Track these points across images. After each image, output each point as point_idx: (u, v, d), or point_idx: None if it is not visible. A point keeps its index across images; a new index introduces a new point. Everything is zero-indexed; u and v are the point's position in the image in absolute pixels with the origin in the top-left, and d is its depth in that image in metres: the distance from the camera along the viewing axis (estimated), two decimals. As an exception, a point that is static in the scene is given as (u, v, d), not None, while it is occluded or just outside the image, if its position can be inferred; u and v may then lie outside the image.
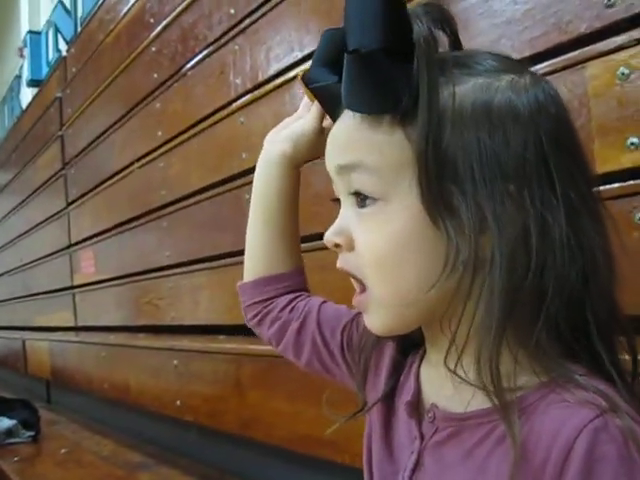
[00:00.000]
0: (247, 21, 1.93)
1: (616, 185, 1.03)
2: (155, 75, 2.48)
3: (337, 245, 0.61)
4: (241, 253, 1.94)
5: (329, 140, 0.62)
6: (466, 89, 0.55)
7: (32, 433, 2.58)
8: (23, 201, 4.58)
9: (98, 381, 3.03)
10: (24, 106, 5.29)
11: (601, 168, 1.04)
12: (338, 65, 0.58)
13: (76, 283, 3.50)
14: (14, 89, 6.21)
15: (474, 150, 0.54)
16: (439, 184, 0.54)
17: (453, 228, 0.54)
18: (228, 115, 2.01)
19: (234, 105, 1.98)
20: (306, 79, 0.65)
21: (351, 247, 0.60)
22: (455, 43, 0.63)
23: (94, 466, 2.13)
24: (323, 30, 0.65)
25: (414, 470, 0.61)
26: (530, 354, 0.54)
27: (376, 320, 0.61)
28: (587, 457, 0.47)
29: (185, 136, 2.28)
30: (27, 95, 5.40)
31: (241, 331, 1.95)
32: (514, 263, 0.53)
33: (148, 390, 2.50)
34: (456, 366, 0.55)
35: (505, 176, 0.54)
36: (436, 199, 0.54)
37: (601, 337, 0.55)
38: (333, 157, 0.61)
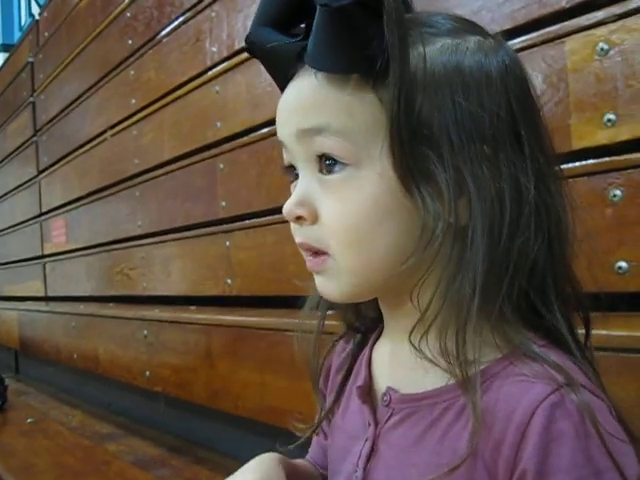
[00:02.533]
0: (224, -13, 1.89)
1: (591, 161, 1.03)
2: (130, 41, 2.43)
3: (299, 217, 0.56)
4: (213, 223, 1.94)
5: (283, 106, 0.57)
6: (435, 49, 0.53)
7: (-2, 402, 2.55)
8: (-7, 168, 4.50)
9: (67, 351, 3.01)
10: (-5, 71, 5.18)
11: (577, 144, 1.04)
12: (287, 24, 0.55)
13: (47, 252, 3.46)
14: (-15, 54, 6.08)
15: (450, 111, 0.52)
16: (413, 148, 0.51)
17: (429, 195, 0.51)
18: (203, 83, 1.98)
19: (209, 73, 1.95)
20: (253, 37, 0.58)
21: (315, 218, 0.55)
22: (407, 7, 0.59)
23: (61, 436, 2.11)
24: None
25: (369, 457, 0.59)
26: (493, 325, 0.52)
27: (335, 287, 0.57)
28: (544, 435, 0.47)
29: (159, 104, 2.24)
30: (-1, 60, 5.30)
31: (212, 302, 1.94)
32: (492, 227, 0.51)
33: (117, 360, 2.48)
34: (420, 340, 0.53)
35: (481, 138, 0.52)
36: (410, 165, 0.51)
37: (562, 309, 0.55)
38: (291, 122, 0.56)
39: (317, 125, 0.54)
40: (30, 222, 3.71)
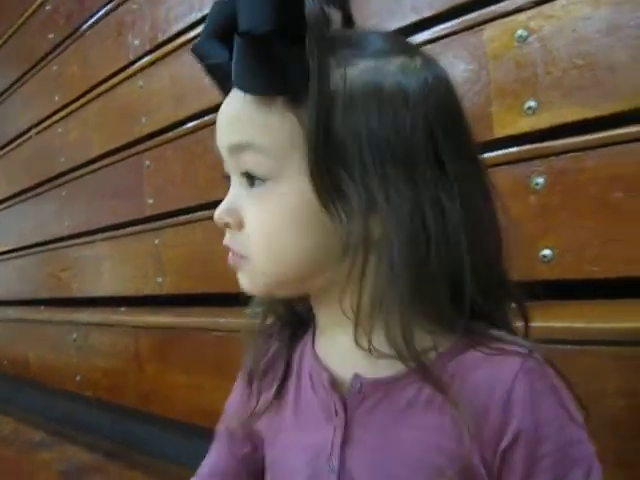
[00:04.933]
0: (146, -22, 1.84)
1: (514, 149, 1.03)
2: (51, 35, 2.36)
3: (227, 224, 0.60)
4: (142, 222, 1.90)
5: (220, 117, 0.61)
6: (357, 71, 0.55)
7: None
8: None
9: (-3, 357, 2.92)
10: None
11: (499, 132, 1.04)
12: (229, 40, 0.56)
13: (-27, 256, 3.34)
14: None
15: (363, 134, 0.53)
16: (328, 169, 0.54)
17: (343, 212, 0.54)
18: (127, 78, 1.93)
19: (133, 67, 1.90)
20: (197, 51, 0.62)
21: (240, 226, 0.59)
22: (348, 20, 0.62)
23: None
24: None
25: (342, 446, 0.60)
26: (434, 320, 0.56)
27: (252, 282, 0.61)
28: (529, 397, 0.53)
29: (83, 100, 2.19)
30: None
31: (143, 302, 1.90)
32: (410, 244, 0.53)
33: (48, 365, 2.41)
34: (370, 343, 0.56)
35: (395, 158, 0.54)
36: (325, 183, 0.54)
37: (494, 305, 0.59)
38: (223, 135, 0.60)
39: (241, 142, 0.57)
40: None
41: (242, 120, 0.57)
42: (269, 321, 0.70)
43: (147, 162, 1.83)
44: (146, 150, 1.84)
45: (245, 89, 0.56)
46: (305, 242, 0.57)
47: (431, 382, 0.55)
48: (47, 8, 2.38)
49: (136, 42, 1.88)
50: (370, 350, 0.56)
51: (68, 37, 2.25)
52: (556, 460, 0.53)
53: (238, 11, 0.54)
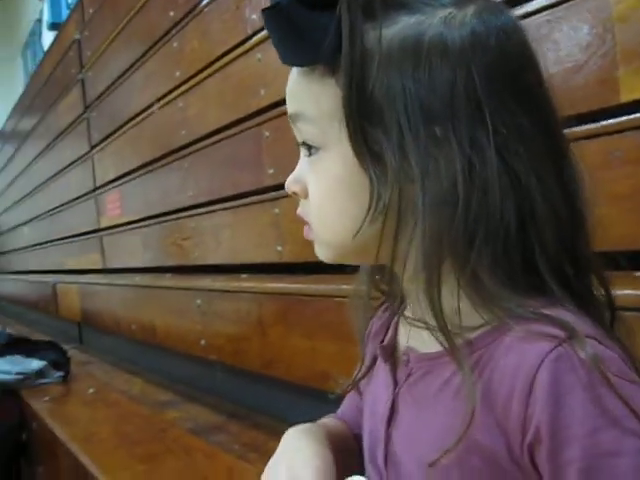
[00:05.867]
0: (262, -47, 1.87)
1: (641, 114, 0.99)
2: (171, 13, 2.43)
3: (295, 193, 0.62)
4: (261, 192, 1.95)
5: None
6: (396, 30, 0.54)
7: (62, 373, 2.63)
8: (48, 146, 4.59)
9: (126, 322, 3.08)
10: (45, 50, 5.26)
11: (627, 96, 1.01)
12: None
13: (103, 226, 3.53)
14: (36, 33, 6.18)
15: (398, 93, 0.52)
16: (364, 130, 0.54)
17: (376, 175, 0.54)
18: (245, 52, 1.97)
19: (251, 41, 1.94)
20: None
21: (306, 194, 0.61)
22: None
23: (121, 405, 2.18)
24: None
25: (390, 418, 0.62)
26: (478, 295, 0.53)
27: (320, 252, 0.62)
28: (552, 389, 0.47)
29: (202, 75, 2.24)
30: (49, 39, 5.36)
31: (263, 270, 1.96)
32: (440, 209, 0.52)
33: (173, 330, 2.53)
34: (421, 303, 0.55)
35: (430, 118, 0.52)
36: (361, 146, 0.54)
37: (552, 271, 0.54)
38: (287, 107, 0.61)
39: (295, 112, 0.59)
40: (85, 197, 3.79)
41: (294, 91, 0.59)
42: (370, 291, 0.69)
43: (266, 133, 1.88)
44: (265, 122, 1.88)
45: (286, 61, 0.57)
46: (352, 209, 0.56)
47: (457, 363, 0.52)
48: (168, -14, 2.46)
49: (253, 16, 1.91)
50: (404, 317, 0.58)
51: (187, 14, 2.31)
52: (583, 470, 0.46)
53: None
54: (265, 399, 1.97)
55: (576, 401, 0.46)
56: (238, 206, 2.08)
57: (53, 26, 5.02)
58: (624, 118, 0.99)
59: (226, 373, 2.21)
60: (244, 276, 2.06)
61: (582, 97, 1.04)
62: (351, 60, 0.52)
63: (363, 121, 0.53)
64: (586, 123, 1.02)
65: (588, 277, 0.57)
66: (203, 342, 2.22)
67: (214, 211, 2.25)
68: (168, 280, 2.66)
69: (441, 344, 0.54)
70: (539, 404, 0.47)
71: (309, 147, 0.59)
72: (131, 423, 1.92)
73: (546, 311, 0.51)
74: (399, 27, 0.53)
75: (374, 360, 0.68)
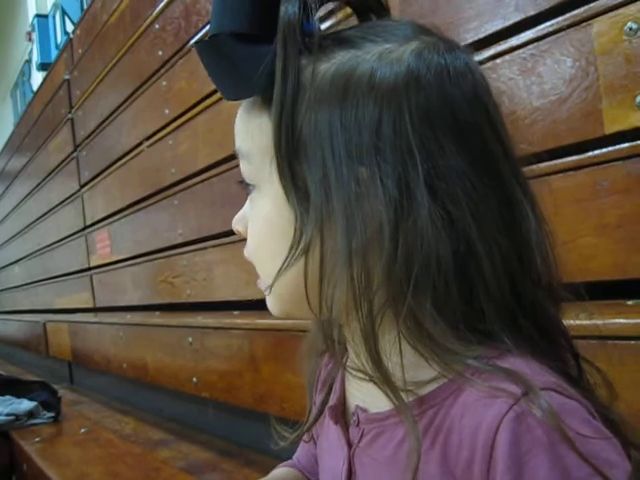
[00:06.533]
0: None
1: (626, 145, 1.00)
2: (160, 52, 2.46)
3: (238, 232, 0.60)
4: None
5: None
6: (329, 65, 0.52)
7: (53, 414, 2.60)
8: (37, 185, 4.60)
9: (117, 361, 3.05)
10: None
11: (610, 128, 1.02)
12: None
13: (93, 264, 3.52)
14: (25, 74, 6.24)
15: (324, 131, 0.50)
16: (292, 167, 0.51)
17: (301, 213, 0.51)
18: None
19: (239, 79, 1.95)
20: None
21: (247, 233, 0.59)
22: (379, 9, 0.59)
23: (113, 444, 2.15)
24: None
25: (349, 479, 0.58)
26: (424, 346, 0.49)
27: (269, 303, 0.59)
28: (512, 451, 0.43)
29: (192, 113, 2.26)
30: (38, 79, 5.42)
31: (254, 306, 1.95)
32: (366, 253, 0.49)
33: (165, 368, 2.51)
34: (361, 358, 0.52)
35: (356, 158, 0.49)
36: (288, 182, 0.52)
37: (499, 316, 0.50)
38: None
39: (236, 148, 0.58)
40: (75, 235, 3.78)
41: (237, 126, 0.58)
42: (319, 339, 0.66)
43: (255, 170, 1.88)
44: (253, 159, 1.89)
45: (222, 95, 0.55)
46: (280, 252, 0.53)
47: (405, 422, 0.48)
48: (156, 27, 2.49)
49: (241, 55, 1.94)
50: (350, 371, 0.53)
51: (176, 53, 2.34)
52: None
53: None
54: (258, 436, 1.95)
55: (537, 462, 0.43)
56: (228, 243, 2.08)
57: (42, 66, 5.08)
58: (610, 148, 1.01)
59: (219, 410, 2.19)
60: (236, 313, 2.05)
61: (567, 129, 1.05)
62: (282, 94, 0.50)
63: (291, 157, 0.51)
64: (572, 155, 1.04)
65: (544, 317, 0.53)
66: (195, 379, 2.20)
67: (205, 248, 2.25)
68: (159, 318, 2.65)
69: (390, 400, 0.50)
70: (500, 467, 0.43)
71: (246, 185, 0.57)
72: (123, 463, 1.90)
73: (499, 362, 0.48)
74: (333, 62, 0.52)
75: (321, 411, 0.64)
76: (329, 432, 0.64)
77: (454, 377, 0.49)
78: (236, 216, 0.60)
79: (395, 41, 0.52)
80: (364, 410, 0.58)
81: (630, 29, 1.00)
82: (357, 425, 0.58)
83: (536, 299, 0.52)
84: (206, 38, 0.53)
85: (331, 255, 0.50)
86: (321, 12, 0.56)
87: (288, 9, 0.50)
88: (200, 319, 2.22)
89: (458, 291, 0.49)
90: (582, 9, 1.05)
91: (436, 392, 0.50)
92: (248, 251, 0.59)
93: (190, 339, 2.22)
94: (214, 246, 2.19)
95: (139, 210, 2.82)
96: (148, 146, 2.65)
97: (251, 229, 0.57)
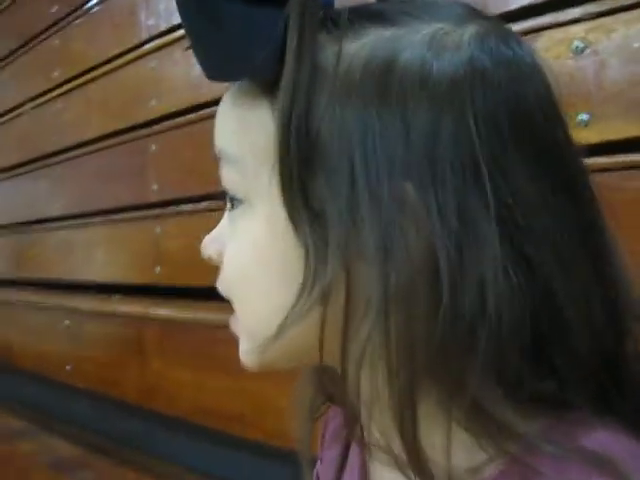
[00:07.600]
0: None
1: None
2: (55, 8, 2.27)
3: (210, 258, 0.45)
4: (143, 207, 1.84)
5: None
6: (361, 45, 0.38)
7: None
8: None
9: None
10: None
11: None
12: None
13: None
14: None
15: (353, 133, 0.37)
16: (302, 181, 0.37)
17: (315, 246, 0.37)
18: (137, 58, 1.86)
19: (145, 47, 1.83)
20: None
21: (222, 260, 0.44)
22: None
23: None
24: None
25: None
26: (481, 427, 0.37)
27: (243, 352, 0.44)
28: None
29: (85, 78, 2.12)
30: None
31: (140, 291, 1.84)
32: (410, 308, 0.36)
33: (33, 351, 2.34)
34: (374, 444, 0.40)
35: (400, 174, 0.36)
36: (296, 202, 0.38)
37: (583, 386, 0.38)
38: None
39: (217, 149, 0.43)
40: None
41: (219, 120, 0.43)
42: (316, 396, 0.51)
43: (153, 146, 1.77)
44: (153, 134, 1.78)
45: (205, 72, 0.40)
46: (280, 292, 0.40)
47: None
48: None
49: (151, 21, 1.81)
50: (369, 451, 0.40)
51: (73, 11, 2.18)
52: None
53: None
54: (142, 433, 1.84)
55: None
56: (117, 221, 1.96)
57: None
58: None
59: (94, 402, 2.05)
60: (117, 297, 1.93)
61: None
62: (294, 80, 0.37)
63: (302, 168, 0.37)
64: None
65: (628, 374, 0.40)
66: (68, 367, 2.06)
67: (85, 225, 2.12)
68: (30, 295, 2.46)
69: None
70: None
71: (231, 199, 0.43)
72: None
73: (580, 439, 0.36)
74: (366, 42, 0.38)
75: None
76: None
77: (510, 463, 0.37)
78: (208, 236, 0.45)
79: (447, 20, 0.39)
80: None
81: (577, 47, 0.99)
82: None
83: (619, 352, 0.40)
84: None
85: (361, 303, 0.37)
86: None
87: None
88: (78, 301, 2.08)
89: (533, 360, 0.37)
90: (530, 21, 1.03)
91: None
92: (224, 284, 0.44)
93: (67, 322, 2.08)
94: (97, 224, 2.05)
95: (14, 177, 2.63)
96: (32, 108, 2.46)
97: (232, 257, 0.43)
